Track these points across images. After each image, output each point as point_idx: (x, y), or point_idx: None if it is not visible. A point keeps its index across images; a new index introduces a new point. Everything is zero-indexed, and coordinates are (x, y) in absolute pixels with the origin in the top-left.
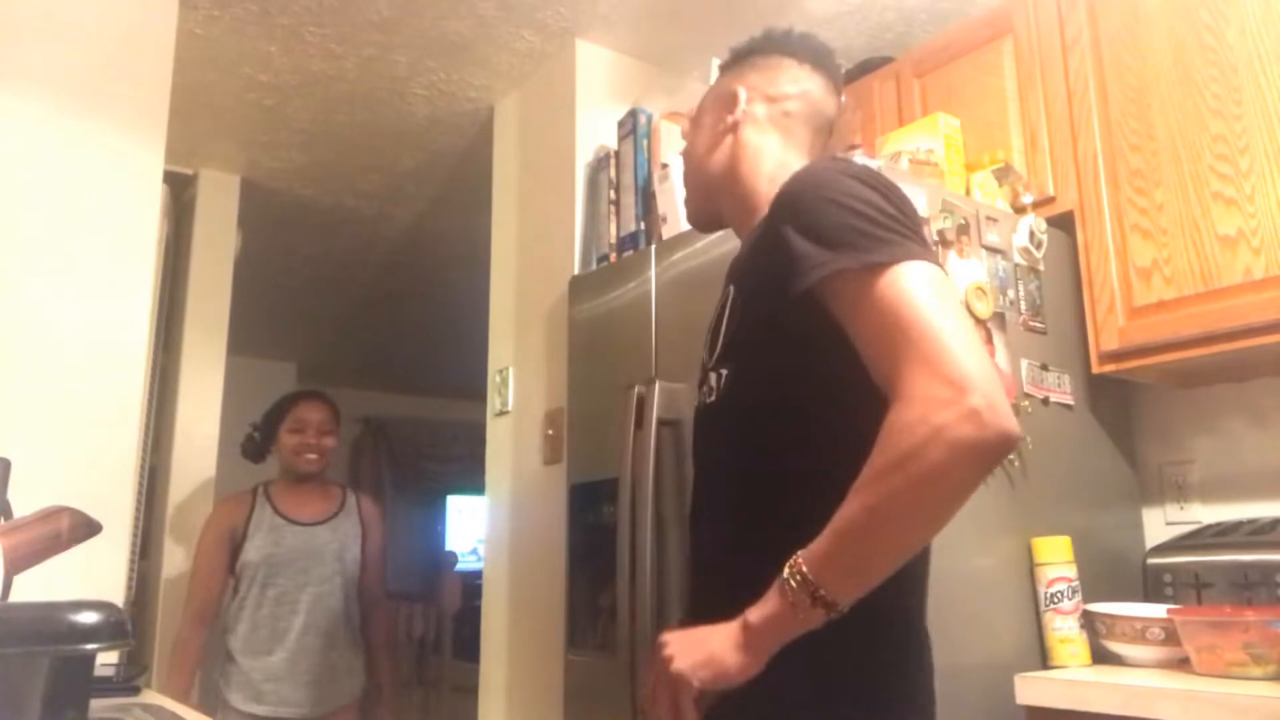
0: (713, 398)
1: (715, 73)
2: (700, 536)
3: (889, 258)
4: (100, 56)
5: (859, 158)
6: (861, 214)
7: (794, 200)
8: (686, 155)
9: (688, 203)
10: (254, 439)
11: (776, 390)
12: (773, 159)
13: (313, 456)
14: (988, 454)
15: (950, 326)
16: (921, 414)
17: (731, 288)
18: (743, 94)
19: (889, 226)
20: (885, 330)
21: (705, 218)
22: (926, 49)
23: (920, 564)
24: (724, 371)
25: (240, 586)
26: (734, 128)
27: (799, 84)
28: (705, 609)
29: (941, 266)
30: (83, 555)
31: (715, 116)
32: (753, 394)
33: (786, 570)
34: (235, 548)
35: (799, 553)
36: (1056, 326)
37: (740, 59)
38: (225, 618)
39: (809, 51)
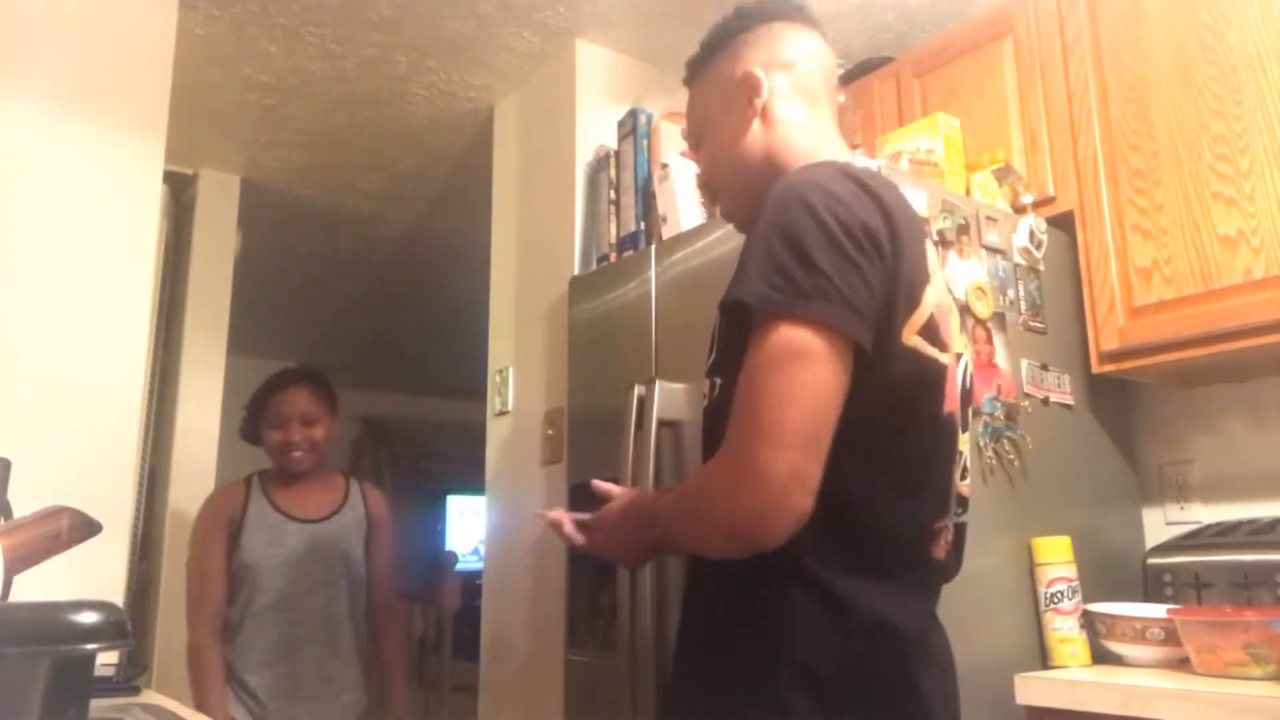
0: (707, 403)
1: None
2: None
3: (786, 312)
4: (100, 56)
5: (859, 158)
6: (799, 253)
7: (766, 209)
8: (714, 159)
9: (733, 212)
10: (248, 421)
11: None
12: (806, 131)
13: (299, 455)
14: (737, 548)
15: (770, 415)
16: (706, 489)
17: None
18: (759, 72)
19: (815, 273)
20: (740, 384)
21: (755, 217)
22: (926, 49)
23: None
24: (716, 380)
25: (237, 591)
26: (762, 110)
27: (802, 43)
28: (696, 603)
29: (854, 308)
30: (83, 555)
31: (734, 107)
32: (730, 400)
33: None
34: (233, 541)
35: (669, 491)
36: (1056, 326)
37: (722, 44)
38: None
39: (793, 10)
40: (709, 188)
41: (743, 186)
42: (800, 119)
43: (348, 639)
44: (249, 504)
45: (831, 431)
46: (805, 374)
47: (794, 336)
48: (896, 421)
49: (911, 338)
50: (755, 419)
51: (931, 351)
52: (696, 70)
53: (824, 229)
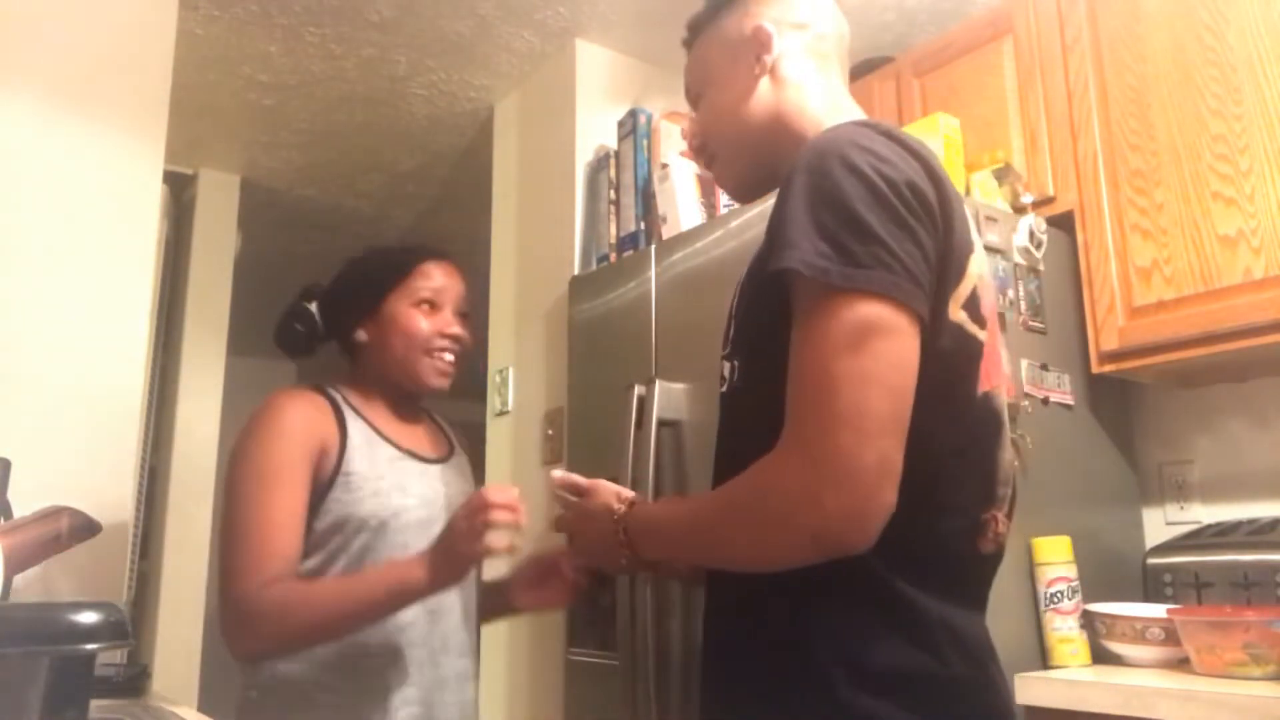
0: (725, 388)
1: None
2: None
3: (845, 283)
4: (100, 56)
5: None
6: (850, 218)
7: (798, 171)
8: (714, 119)
9: (729, 176)
10: (306, 315)
11: (781, 378)
12: (817, 94)
13: (450, 358)
14: (816, 556)
15: (853, 399)
16: (779, 488)
17: (744, 270)
18: (771, 27)
19: (871, 240)
20: (803, 365)
21: (754, 185)
22: (926, 49)
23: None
24: (736, 362)
25: (325, 556)
26: (771, 68)
27: (817, 6)
28: (715, 599)
29: (915, 279)
30: (83, 555)
31: (740, 64)
32: (759, 383)
33: (620, 504)
34: (324, 479)
35: (638, 500)
36: (1056, 326)
37: (729, 2)
38: None
39: None
40: (705, 150)
41: (743, 148)
42: (812, 82)
43: (473, 636)
44: (347, 426)
45: (909, 418)
46: (886, 352)
47: (865, 311)
48: (938, 404)
49: (957, 312)
50: (833, 405)
51: (972, 328)
52: (700, 28)
53: (873, 190)
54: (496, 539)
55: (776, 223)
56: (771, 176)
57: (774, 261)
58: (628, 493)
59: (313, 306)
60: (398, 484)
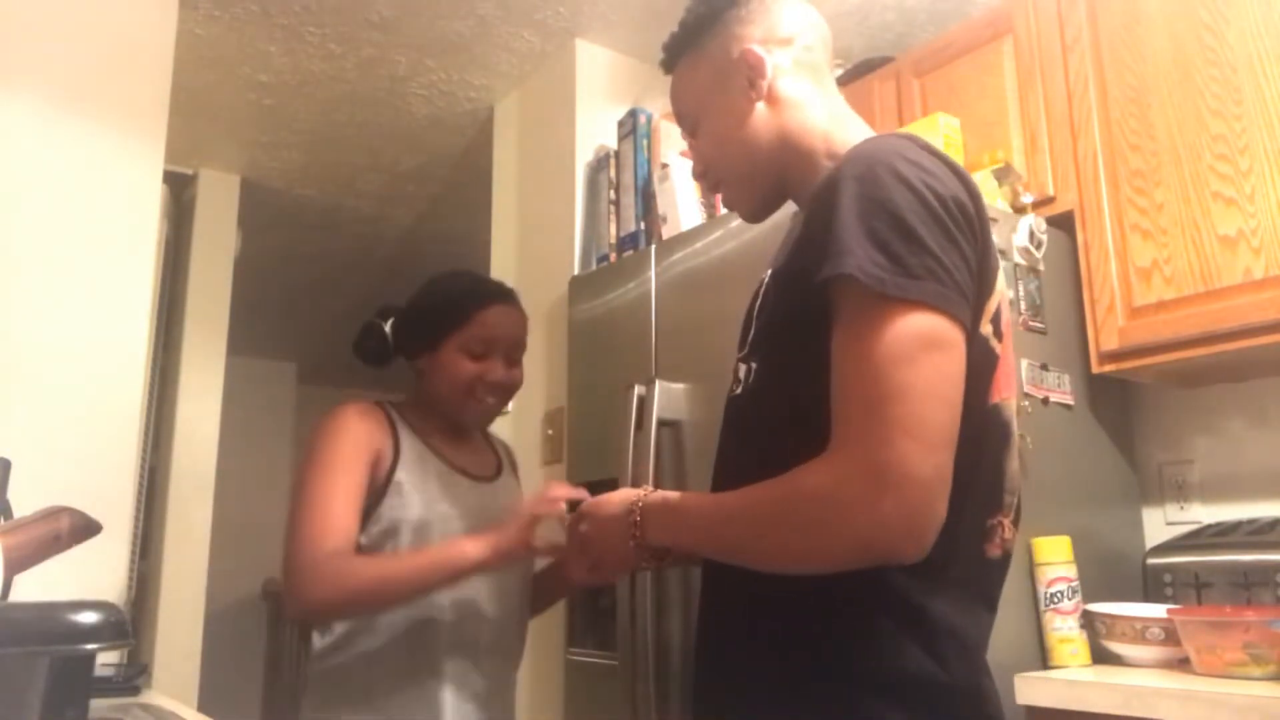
0: (739, 390)
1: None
2: None
3: (900, 293)
4: (100, 56)
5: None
6: (903, 229)
7: (845, 181)
8: (715, 147)
9: (738, 200)
10: (379, 333)
11: (804, 384)
12: (819, 108)
13: (493, 401)
14: (865, 563)
15: (914, 410)
16: (836, 493)
17: (768, 272)
18: (760, 50)
19: (923, 252)
20: (859, 373)
21: (764, 206)
22: (926, 49)
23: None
24: (753, 364)
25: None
26: (767, 91)
27: (800, 16)
28: (718, 601)
29: (964, 293)
30: (83, 555)
31: (733, 91)
32: (780, 387)
33: (637, 494)
34: (374, 488)
35: (652, 489)
36: (1056, 326)
37: (709, 23)
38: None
39: None
40: (709, 177)
41: (751, 173)
42: (810, 96)
43: (519, 648)
44: (400, 440)
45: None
46: (941, 365)
47: (921, 322)
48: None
49: (985, 326)
50: (895, 413)
51: (994, 342)
52: (679, 52)
53: (923, 202)
54: (550, 532)
55: (823, 229)
56: (780, 194)
57: (828, 267)
58: (634, 494)
59: (387, 326)
60: (445, 496)
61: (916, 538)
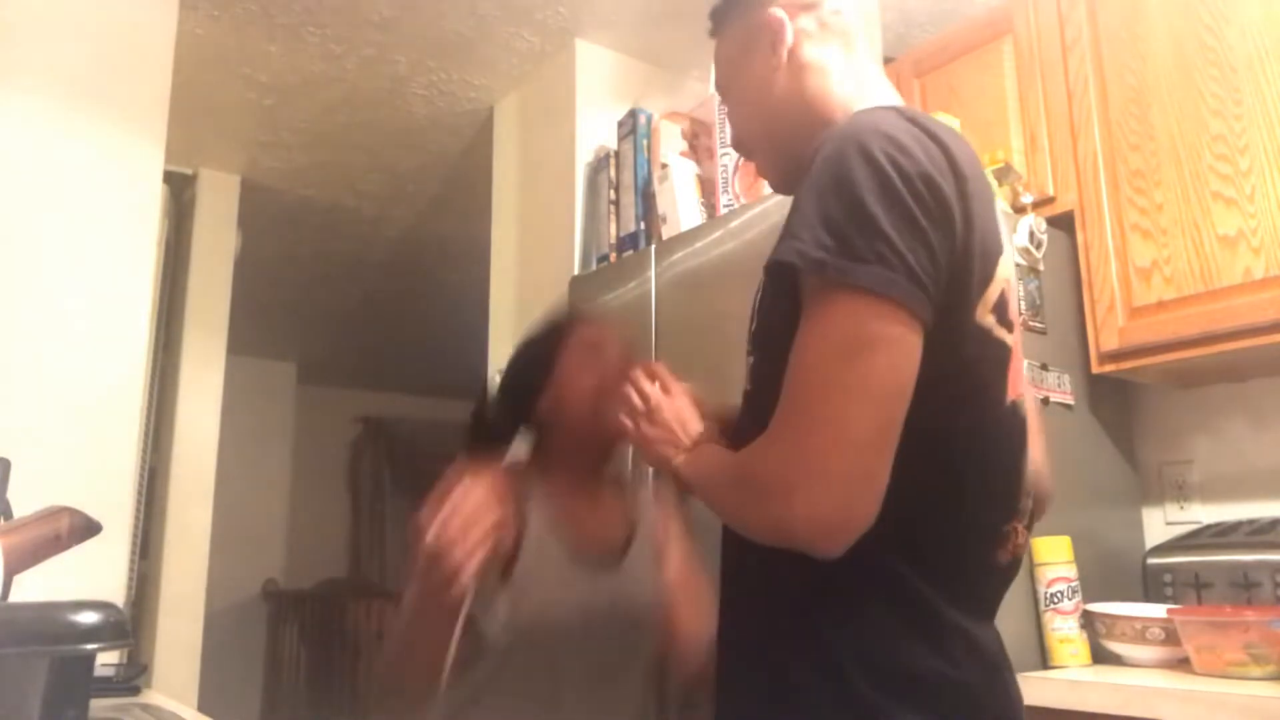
0: (748, 385)
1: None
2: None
3: (840, 276)
4: (100, 56)
5: None
6: (856, 210)
7: (818, 159)
8: (743, 115)
9: (768, 169)
10: (488, 407)
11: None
12: (843, 76)
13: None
14: (788, 548)
15: (837, 408)
16: (761, 480)
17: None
18: (780, 13)
19: (873, 234)
20: (794, 363)
21: (792, 175)
22: (926, 49)
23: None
24: (752, 360)
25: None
26: (790, 55)
27: None
28: (737, 586)
29: (918, 279)
30: (83, 555)
31: (756, 56)
32: (769, 383)
33: (686, 438)
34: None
35: (702, 440)
36: (1056, 326)
37: None
38: None
39: None
40: (742, 147)
41: (775, 141)
42: (835, 63)
43: None
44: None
45: (901, 425)
46: (878, 359)
47: (861, 312)
48: (961, 412)
49: (985, 316)
50: (819, 409)
51: (1000, 332)
52: (720, 18)
53: (882, 180)
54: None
55: (790, 213)
56: (807, 165)
57: (773, 252)
58: (696, 427)
59: (491, 400)
60: (546, 594)
61: (827, 534)
